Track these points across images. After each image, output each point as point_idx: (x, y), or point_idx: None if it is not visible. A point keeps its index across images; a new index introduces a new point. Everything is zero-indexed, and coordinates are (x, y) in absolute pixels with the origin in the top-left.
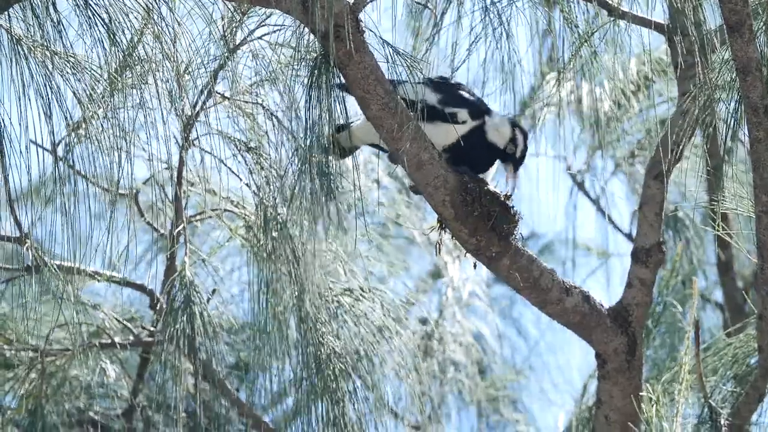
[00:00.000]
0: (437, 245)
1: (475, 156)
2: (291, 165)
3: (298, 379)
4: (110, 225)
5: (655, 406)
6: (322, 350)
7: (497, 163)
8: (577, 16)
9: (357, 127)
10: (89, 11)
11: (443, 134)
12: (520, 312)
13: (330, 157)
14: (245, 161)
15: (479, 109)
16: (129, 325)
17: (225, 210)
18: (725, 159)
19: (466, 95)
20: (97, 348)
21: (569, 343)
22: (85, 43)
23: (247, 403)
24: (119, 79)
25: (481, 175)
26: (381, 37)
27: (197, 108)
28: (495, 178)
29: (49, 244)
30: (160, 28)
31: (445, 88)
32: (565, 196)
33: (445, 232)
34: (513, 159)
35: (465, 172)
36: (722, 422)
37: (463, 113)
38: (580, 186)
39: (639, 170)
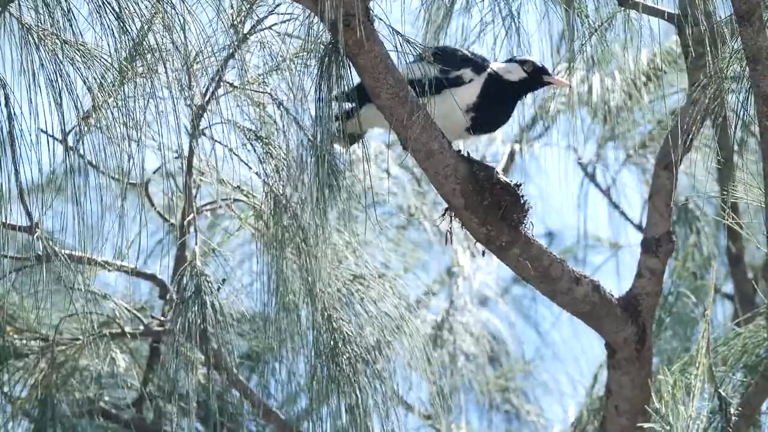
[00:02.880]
0: (447, 235)
1: (499, 107)
2: (299, 153)
3: (312, 366)
4: (120, 215)
5: (670, 392)
6: (335, 337)
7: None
8: (587, 5)
9: (367, 110)
10: None
11: (459, 100)
12: (531, 302)
13: (337, 145)
14: (254, 150)
15: (481, 64)
16: (139, 314)
17: (235, 200)
18: (735, 149)
19: (466, 54)
20: (108, 338)
21: (579, 334)
22: (95, 31)
23: (259, 393)
24: (129, 68)
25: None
26: (391, 26)
27: (207, 97)
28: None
29: (59, 233)
30: (170, 17)
31: (442, 56)
32: (576, 186)
33: (454, 221)
34: (534, 78)
35: (474, 161)
36: (732, 412)
37: (467, 73)
38: (591, 177)
39: (650, 160)
